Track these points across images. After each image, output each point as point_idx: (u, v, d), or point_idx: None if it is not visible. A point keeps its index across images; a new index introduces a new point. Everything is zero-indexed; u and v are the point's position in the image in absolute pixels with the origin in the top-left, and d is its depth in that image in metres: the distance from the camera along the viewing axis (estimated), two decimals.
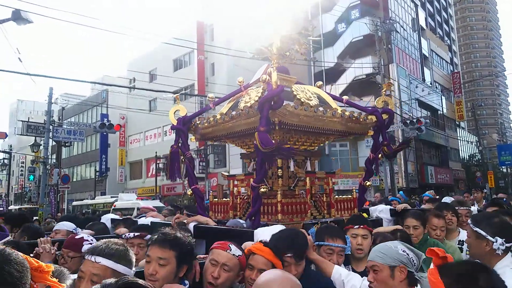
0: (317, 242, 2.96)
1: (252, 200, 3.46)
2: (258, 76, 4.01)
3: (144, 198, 26.70)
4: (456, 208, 4.39)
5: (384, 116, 4.22)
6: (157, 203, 21.97)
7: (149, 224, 3.86)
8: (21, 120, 26.22)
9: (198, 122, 4.25)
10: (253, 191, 3.42)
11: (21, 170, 47.32)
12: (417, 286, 2.19)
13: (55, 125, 23.51)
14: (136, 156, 38.57)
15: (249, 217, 3.46)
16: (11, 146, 37.15)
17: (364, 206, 5.78)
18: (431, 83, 39.38)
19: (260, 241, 2.63)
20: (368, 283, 2.26)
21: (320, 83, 4.47)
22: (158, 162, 29.77)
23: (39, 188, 24.38)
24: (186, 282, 2.29)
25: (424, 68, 38.68)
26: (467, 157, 51.38)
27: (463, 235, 3.95)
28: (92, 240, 2.53)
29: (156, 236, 2.28)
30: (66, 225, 3.62)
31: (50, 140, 22.89)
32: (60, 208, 27.61)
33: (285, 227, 2.92)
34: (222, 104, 4.56)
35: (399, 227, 3.75)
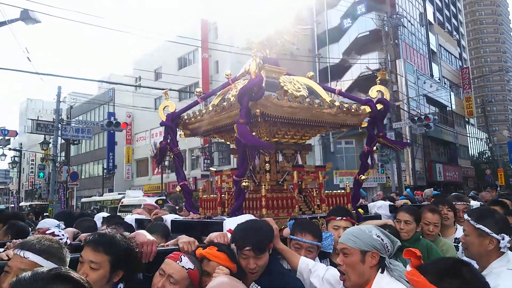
0: (290, 236, 2.88)
1: (235, 195, 3.37)
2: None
3: (150, 195, 26.78)
4: (454, 203, 4.19)
5: (379, 107, 4.09)
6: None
7: (128, 222, 3.77)
8: (30, 119, 26.46)
9: (185, 117, 4.17)
10: (236, 186, 3.32)
11: (31, 168, 47.86)
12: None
13: (64, 123, 23.71)
14: (142, 153, 38.70)
15: (233, 213, 3.36)
16: (21, 144, 37.56)
17: (360, 202, 5.67)
18: (439, 79, 38.84)
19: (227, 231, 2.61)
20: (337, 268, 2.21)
21: (311, 73, 4.32)
22: (164, 160, 29.78)
23: (49, 185, 24.60)
24: (121, 286, 2.16)
25: (432, 63, 38.13)
26: (477, 154, 50.70)
27: (460, 232, 3.64)
28: (63, 235, 2.44)
29: (91, 237, 2.15)
30: (48, 223, 3.54)
31: (59, 138, 23.12)
32: (69, 205, 27.85)
33: (253, 218, 2.83)
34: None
35: (389, 221, 3.63)
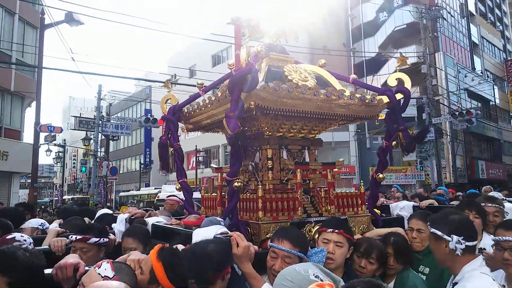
0: (269, 243, 2.46)
1: (228, 196, 3.01)
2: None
3: None
4: (483, 204, 3.53)
5: (398, 96, 3.60)
6: (197, 194, 22.09)
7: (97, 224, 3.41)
8: (73, 116, 27.32)
9: (185, 111, 3.86)
10: (228, 186, 2.96)
11: (74, 163, 49.70)
12: None
13: (104, 120, 24.29)
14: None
15: (226, 215, 3.01)
16: (64, 140, 39.00)
17: (382, 202, 5.14)
18: (482, 72, 36.65)
19: None
20: None
21: (322, 61, 3.86)
22: (198, 155, 29.94)
23: (90, 179, 25.33)
24: None
25: (474, 56, 36.00)
26: None
27: (487, 240, 3.16)
28: (25, 240, 2.19)
29: None
30: (32, 223, 3.34)
31: (100, 134, 23.73)
32: (108, 198, 28.57)
33: (223, 230, 2.43)
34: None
35: (399, 229, 3.13)
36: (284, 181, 3.39)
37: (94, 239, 2.67)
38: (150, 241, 2.95)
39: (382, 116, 3.62)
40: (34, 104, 19.26)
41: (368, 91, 3.85)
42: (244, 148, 2.94)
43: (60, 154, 35.77)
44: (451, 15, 32.53)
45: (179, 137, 3.90)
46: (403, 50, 28.34)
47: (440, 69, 28.11)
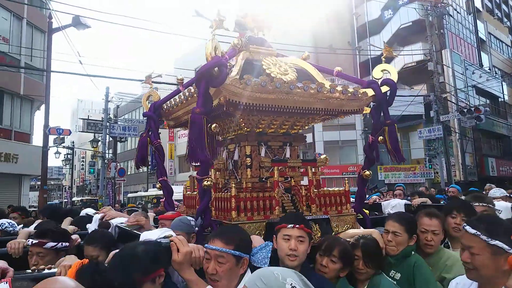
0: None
1: (199, 195, 2.87)
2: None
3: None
4: (474, 204, 3.27)
5: (384, 89, 3.42)
6: None
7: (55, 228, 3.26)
8: (81, 118, 27.51)
9: (165, 107, 3.73)
10: (199, 185, 2.82)
11: (82, 165, 50.01)
12: None
13: (112, 122, 24.40)
14: (184, 150, 38.93)
15: (199, 215, 2.86)
16: (73, 142, 39.32)
17: (374, 200, 4.94)
18: (489, 69, 35.96)
19: None
20: None
21: (306, 54, 3.69)
22: None
23: (98, 180, 25.44)
24: None
25: (482, 52, 35.36)
26: None
27: None
28: None
29: None
30: None
31: (107, 136, 23.82)
32: (117, 200, 28.68)
33: (168, 233, 2.27)
34: None
35: (374, 231, 2.90)
36: (263, 179, 3.23)
37: (50, 244, 2.55)
38: (115, 245, 2.79)
39: (367, 110, 3.44)
40: (43, 107, 19.41)
41: (353, 84, 3.66)
42: (213, 146, 2.78)
43: (69, 156, 36.05)
44: (457, 12, 31.99)
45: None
46: (409, 48, 28.03)
47: (447, 66, 27.67)
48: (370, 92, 3.33)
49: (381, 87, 3.38)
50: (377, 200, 4.68)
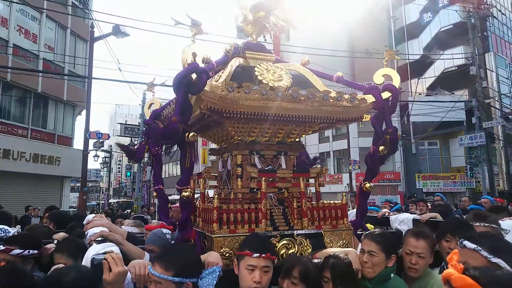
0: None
1: (180, 206, 2.75)
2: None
3: None
4: (474, 224, 2.80)
5: (386, 95, 3.17)
6: None
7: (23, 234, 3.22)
8: (119, 123, 28.37)
9: (163, 114, 3.65)
10: (179, 196, 2.70)
11: (119, 168, 51.50)
12: None
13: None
14: None
15: (180, 228, 2.75)
16: (110, 146, 40.62)
17: (383, 213, 4.64)
18: None
19: None
20: None
21: (305, 59, 3.51)
22: None
23: (134, 183, 26.09)
24: None
25: None
26: None
27: None
28: None
29: None
30: None
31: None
32: (151, 202, 29.33)
33: (110, 249, 2.13)
34: None
35: (350, 251, 2.61)
36: (255, 190, 3.08)
37: (17, 251, 2.53)
38: (83, 254, 2.72)
39: (367, 118, 3.21)
40: (84, 112, 20.17)
41: (352, 90, 3.43)
42: (192, 155, 2.66)
43: (107, 159, 37.18)
44: (502, 13, 30.35)
45: None
46: (449, 52, 26.88)
47: (491, 71, 26.28)
48: (370, 98, 3.10)
49: (382, 93, 3.14)
50: (386, 214, 4.34)
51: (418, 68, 28.53)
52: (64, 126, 22.13)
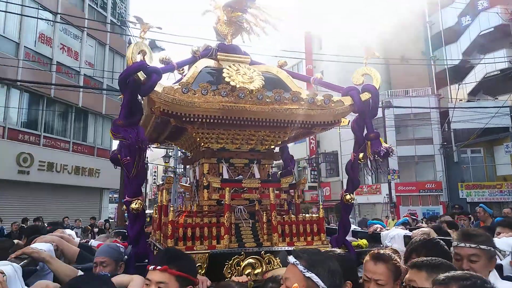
0: None
1: (129, 220, 2.50)
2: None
3: None
4: (455, 244, 2.28)
5: (365, 97, 2.80)
6: None
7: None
8: None
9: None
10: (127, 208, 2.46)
11: (154, 179, 52.42)
12: None
13: None
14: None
15: (132, 242, 2.50)
16: (147, 157, 41.38)
17: (375, 228, 4.11)
18: None
19: None
20: None
21: (281, 61, 3.19)
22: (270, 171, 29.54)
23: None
24: None
25: None
26: None
27: None
28: None
29: None
30: None
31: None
32: None
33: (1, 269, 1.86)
34: None
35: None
36: (222, 202, 2.78)
37: None
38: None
39: (345, 121, 2.84)
40: None
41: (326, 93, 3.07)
42: (141, 162, 2.42)
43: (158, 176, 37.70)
44: None
45: None
46: (491, 55, 25.37)
47: None
48: (348, 100, 2.74)
49: (361, 95, 2.76)
50: (378, 230, 3.81)
51: (457, 73, 27.11)
52: (103, 139, 22.83)
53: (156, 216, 3.38)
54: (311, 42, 32.20)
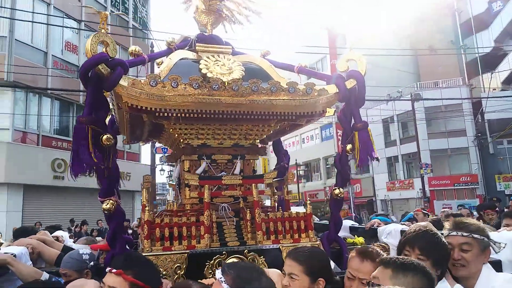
0: None
1: (106, 220, 2.39)
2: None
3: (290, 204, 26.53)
4: (448, 233, 2.08)
5: (350, 84, 2.57)
6: (301, 209, 21.44)
7: None
8: None
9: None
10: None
11: None
12: None
13: None
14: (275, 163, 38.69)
15: (109, 243, 2.39)
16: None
17: (372, 224, 3.79)
18: None
19: None
20: None
21: (265, 50, 3.00)
22: (298, 169, 29.20)
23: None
24: None
25: None
26: None
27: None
28: None
29: None
30: None
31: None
32: None
33: None
34: None
35: (273, 272, 2.01)
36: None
37: None
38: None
39: (330, 111, 2.62)
40: None
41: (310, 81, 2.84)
42: (108, 161, 2.29)
43: (172, 172, 38.18)
44: None
45: None
46: None
47: None
48: (333, 89, 2.51)
49: (346, 82, 2.53)
50: (376, 225, 3.50)
51: (490, 61, 25.78)
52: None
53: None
54: (335, 37, 31.57)
